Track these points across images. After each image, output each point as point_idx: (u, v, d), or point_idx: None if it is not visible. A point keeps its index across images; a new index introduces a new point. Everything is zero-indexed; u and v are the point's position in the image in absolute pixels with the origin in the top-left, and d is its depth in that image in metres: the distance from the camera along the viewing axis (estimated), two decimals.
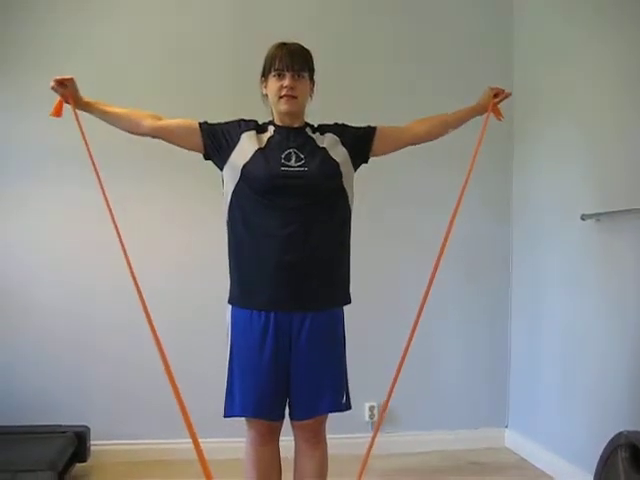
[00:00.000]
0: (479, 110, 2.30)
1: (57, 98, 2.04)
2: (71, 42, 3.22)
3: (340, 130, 2.14)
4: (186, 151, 2.13)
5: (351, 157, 2.11)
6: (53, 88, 2.02)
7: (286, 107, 2.02)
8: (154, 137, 2.12)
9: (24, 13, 3.18)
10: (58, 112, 2.04)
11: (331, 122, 2.17)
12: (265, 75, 2.07)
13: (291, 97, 2.01)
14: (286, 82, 2.00)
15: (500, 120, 2.30)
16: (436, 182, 3.40)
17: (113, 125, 2.11)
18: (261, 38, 2.15)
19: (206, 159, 2.11)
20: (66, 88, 2.01)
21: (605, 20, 2.75)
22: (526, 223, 3.41)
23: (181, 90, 3.28)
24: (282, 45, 2.05)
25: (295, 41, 2.08)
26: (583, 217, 2.77)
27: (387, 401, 2.12)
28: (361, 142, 2.15)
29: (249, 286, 2.03)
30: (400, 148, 2.24)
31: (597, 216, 2.73)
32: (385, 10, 3.47)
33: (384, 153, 2.22)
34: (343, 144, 2.10)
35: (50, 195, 3.20)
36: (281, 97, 2.01)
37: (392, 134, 2.21)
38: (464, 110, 2.30)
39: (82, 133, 2.03)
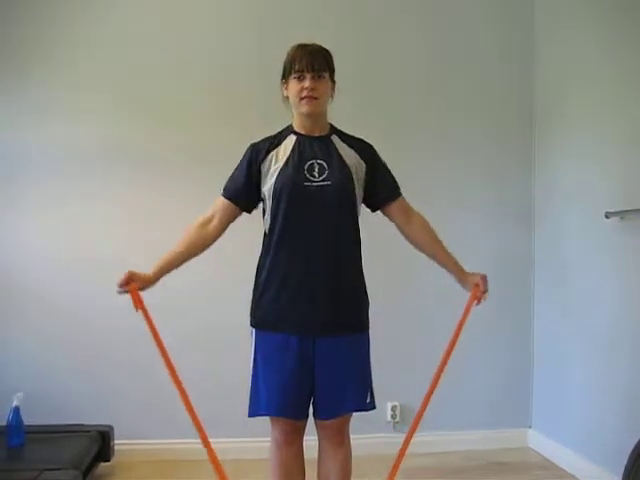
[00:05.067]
0: (461, 279, 2.19)
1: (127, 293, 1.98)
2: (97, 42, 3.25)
3: (370, 159, 2.10)
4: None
5: (364, 190, 2.09)
6: (123, 292, 1.96)
7: (307, 108, 2.01)
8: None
9: (29, 12, 3.20)
10: (139, 305, 1.98)
11: (361, 136, 2.15)
12: (285, 77, 2.06)
13: (312, 98, 2.00)
14: (307, 83, 1.99)
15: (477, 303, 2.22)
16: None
17: (191, 259, 2.06)
18: (287, 42, 2.12)
19: (250, 212, 2.11)
20: (131, 283, 1.96)
21: (623, 33, 2.74)
22: (549, 221, 3.37)
23: (191, 89, 3.31)
24: (301, 46, 2.04)
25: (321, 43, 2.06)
26: (607, 215, 2.74)
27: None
28: (380, 195, 2.11)
29: (269, 312, 2.04)
30: (391, 221, 2.17)
31: (621, 214, 2.70)
32: (409, 25, 3.46)
33: (382, 213, 2.17)
34: (366, 174, 2.08)
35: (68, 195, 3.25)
36: (302, 98, 2.00)
37: (400, 210, 2.14)
38: (453, 265, 2.16)
39: (153, 329, 2.01)
